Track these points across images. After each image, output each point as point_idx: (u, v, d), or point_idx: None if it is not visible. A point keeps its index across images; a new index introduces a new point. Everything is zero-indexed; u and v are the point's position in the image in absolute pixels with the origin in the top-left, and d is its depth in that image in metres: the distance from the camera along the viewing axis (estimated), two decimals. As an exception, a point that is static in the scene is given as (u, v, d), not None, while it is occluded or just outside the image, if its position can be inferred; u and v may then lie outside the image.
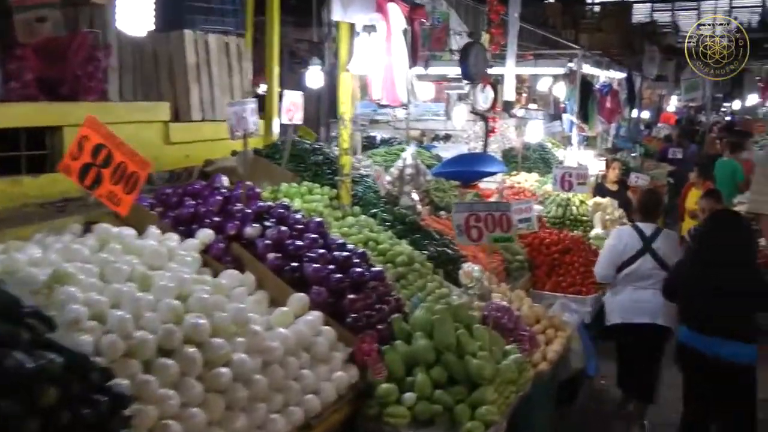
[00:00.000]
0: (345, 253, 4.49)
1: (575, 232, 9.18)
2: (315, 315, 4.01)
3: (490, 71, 8.80)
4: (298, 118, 5.72)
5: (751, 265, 5.51)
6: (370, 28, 4.99)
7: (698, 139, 21.37)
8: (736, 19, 34.08)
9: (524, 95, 13.38)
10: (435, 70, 10.19)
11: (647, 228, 6.49)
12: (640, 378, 6.46)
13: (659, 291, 6.03)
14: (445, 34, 10.60)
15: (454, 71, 10.73)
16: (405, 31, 5.33)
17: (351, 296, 4.20)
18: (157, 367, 3.11)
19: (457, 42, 11.41)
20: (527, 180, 11.18)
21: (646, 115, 22.48)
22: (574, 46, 11.11)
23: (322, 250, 4.43)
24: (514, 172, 11.64)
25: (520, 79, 13.92)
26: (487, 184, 11.16)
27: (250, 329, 3.55)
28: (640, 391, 6.54)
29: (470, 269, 5.34)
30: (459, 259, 5.87)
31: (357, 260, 4.52)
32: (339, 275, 4.27)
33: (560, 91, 11.31)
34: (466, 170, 7.05)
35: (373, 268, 4.55)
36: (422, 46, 10.99)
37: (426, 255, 5.61)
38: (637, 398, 6.65)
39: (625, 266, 6.41)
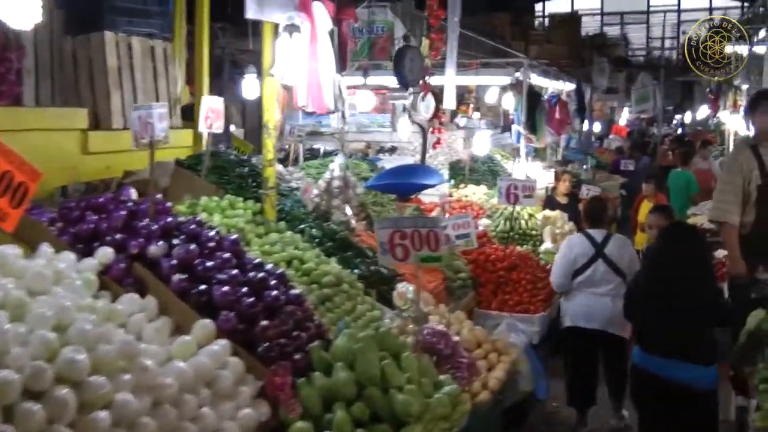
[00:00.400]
0: (261, 275, 4.04)
1: (524, 247, 8.87)
2: (221, 344, 3.55)
3: (431, 80, 8.42)
4: (218, 127, 5.25)
5: (707, 279, 5.19)
6: (291, 29, 4.55)
7: (650, 150, 21.36)
8: (684, 33, 34.63)
9: (471, 105, 13.07)
10: (379, 80, 9.80)
11: (598, 234, 6.51)
12: (584, 385, 6.46)
13: (615, 298, 6.08)
14: (390, 43, 10.21)
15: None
16: (332, 33, 4.90)
17: (264, 323, 3.74)
18: (19, 413, 2.64)
19: (403, 51, 11.06)
20: (475, 193, 10.84)
21: (597, 127, 22.40)
22: (520, 55, 10.81)
23: (234, 271, 3.97)
24: (462, 185, 11.31)
25: (467, 89, 13.62)
26: (431, 197, 10.84)
27: (140, 364, 3.08)
28: (583, 399, 6.52)
29: (404, 290, 4.92)
30: (394, 279, 5.44)
31: (274, 282, 4.07)
32: (251, 299, 3.81)
33: (508, 101, 11.00)
34: (403, 182, 6.63)
35: (291, 291, 4.10)
36: (365, 55, 10.64)
37: (357, 274, 5.18)
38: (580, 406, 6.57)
39: (579, 273, 6.41)
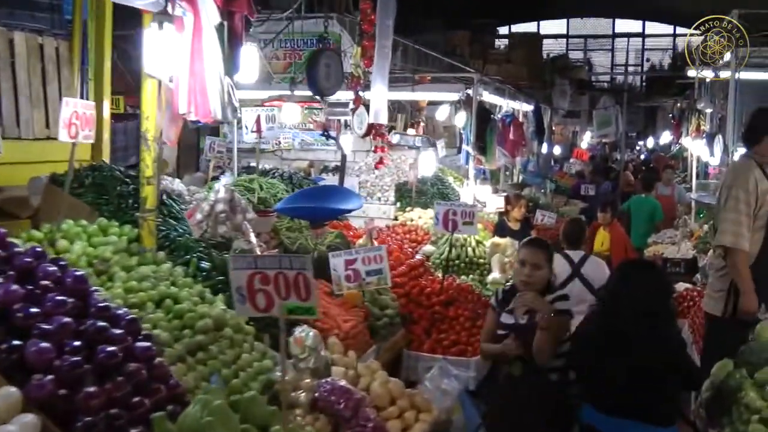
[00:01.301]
0: (101, 324, 3.16)
1: (470, 277, 8.09)
2: (26, 420, 2.68)
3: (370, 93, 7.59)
4: (86, 137, 4.36)
5: (668, 328, 4.39)
6: (162, 18, 3.70)
7: (613, 176, 20.82)
8: (648, 60, 34.38)
9: (422, 124, 12.30)
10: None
11: (575, 255, 6.72)
12: None
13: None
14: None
15: (346, 95, 9.65)
16: (220, 27, 4.06)
17: (90, 389, 2.87)
18: None
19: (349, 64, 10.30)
20: (421, 217, 10.06)
21: (558, 150, 21.80)
22: (469, 69, 10.03)
23: (66, 319, 3.09)
24: (408, 208, 10.52)
25: (417, 106, 12.86)
26: (376, 221, 10.03)
27: None
28: None
29: (302, 335, 4.06)
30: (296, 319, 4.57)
31: (119, 331, 3.20)
32: (76, 358, 2.93)
33: (460, 119, 10.23)
34: (316, 207, 5.78)
35: (139, 343, 3.22)
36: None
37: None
38: None
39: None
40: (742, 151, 8.82)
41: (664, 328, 4.34)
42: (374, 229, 6.42)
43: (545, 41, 26.22)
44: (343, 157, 7.93)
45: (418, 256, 7.51)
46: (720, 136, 10.42)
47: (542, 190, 15.14)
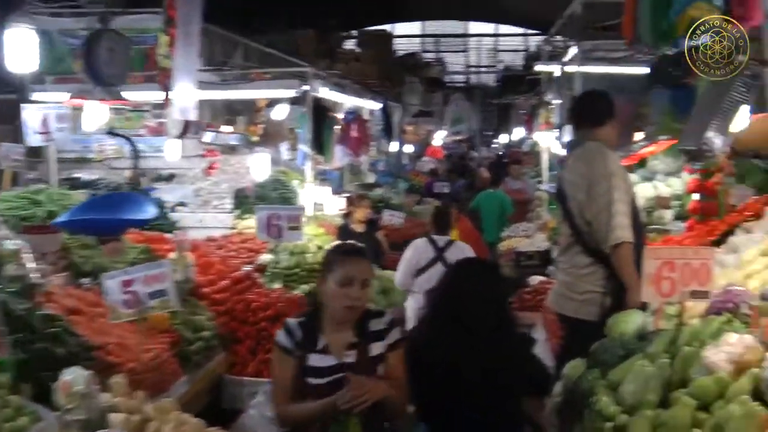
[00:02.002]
0: None
1: (309, 285, 7.50)
2: None
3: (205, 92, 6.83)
4: None
5: (507, 328, 3.93)
6: None
7: (468, 175, 20.80)
8: (502, 62, 34.96)
9: (261, 126, 11.58)
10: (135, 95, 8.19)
11: (440, 240, 7.17)
12: None
13: None
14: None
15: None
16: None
17: None
18: None
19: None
20: (260, 224, 9.35)
21: (411, 149, 21.58)
22: (302, 63, 9.39)
23: None
24: (247, 216, 9.79)
25: (254, 107, 12.15)
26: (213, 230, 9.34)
27: None
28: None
29: (70, 380, 3.31)
30: (78, 357, 3.81)
31: None
32: None
33: (290, 116, 9.57)
34: (101, 219, 5.00)
35: None
36: (140, 67, 8.93)
37: (13, 359, 3.51)
38: None
39: (419, 274, 7.02)
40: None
41: (509, 326, 3.90)
42: (185, 241, 5.66)
43: (400, 43, 26.10)
44: (136, 153, 7.05)
45: (245, 268, 6.79)
46: (568, 126, 10.32)
47: (393, 190, 14.73)
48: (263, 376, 5.27)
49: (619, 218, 4.58)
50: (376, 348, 3.48)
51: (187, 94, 5.99)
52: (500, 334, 3.83)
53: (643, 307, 4.17)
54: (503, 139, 30.63)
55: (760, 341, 3.12)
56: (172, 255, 5.44)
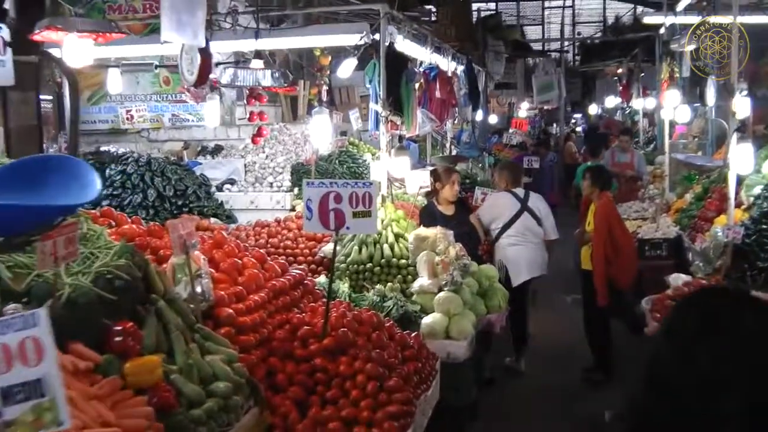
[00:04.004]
0: None
1: (387, 286, 5.75)
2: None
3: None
4: None
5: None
6: None
7: (553, 147, 18.72)
8: (579, 34, 32.77)
9: (324, 87, 9.57)
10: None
11: (519, 192, 7.53)
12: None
13: (538, 246, 7.37)
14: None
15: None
16: None
17: None
18: None
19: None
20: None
21: (494, 119, 19.49)
22: (375, 7, 7.21)
23: None
24: (306, 196, 7.92)
25: (316, 65, 10.18)
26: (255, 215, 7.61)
27: None
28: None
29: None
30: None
31: None
32: None
33: (349, 68, 7.56)
34: (10, 204, 2.97)
35: None
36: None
37: None
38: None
39: (508, 226, 7.25)
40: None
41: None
42: (188, 238, 3.52)
43: (476, 9, 24.11)
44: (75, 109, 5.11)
45: (294, 271, 4.80)
46: (712, 78, 8.18)
47: (479, 165, 12.69)
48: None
49: None
50: None
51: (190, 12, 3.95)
52: None
53: None
54: (592, 109, 28.50)
55: None
56: (174, 259, 3.48)
